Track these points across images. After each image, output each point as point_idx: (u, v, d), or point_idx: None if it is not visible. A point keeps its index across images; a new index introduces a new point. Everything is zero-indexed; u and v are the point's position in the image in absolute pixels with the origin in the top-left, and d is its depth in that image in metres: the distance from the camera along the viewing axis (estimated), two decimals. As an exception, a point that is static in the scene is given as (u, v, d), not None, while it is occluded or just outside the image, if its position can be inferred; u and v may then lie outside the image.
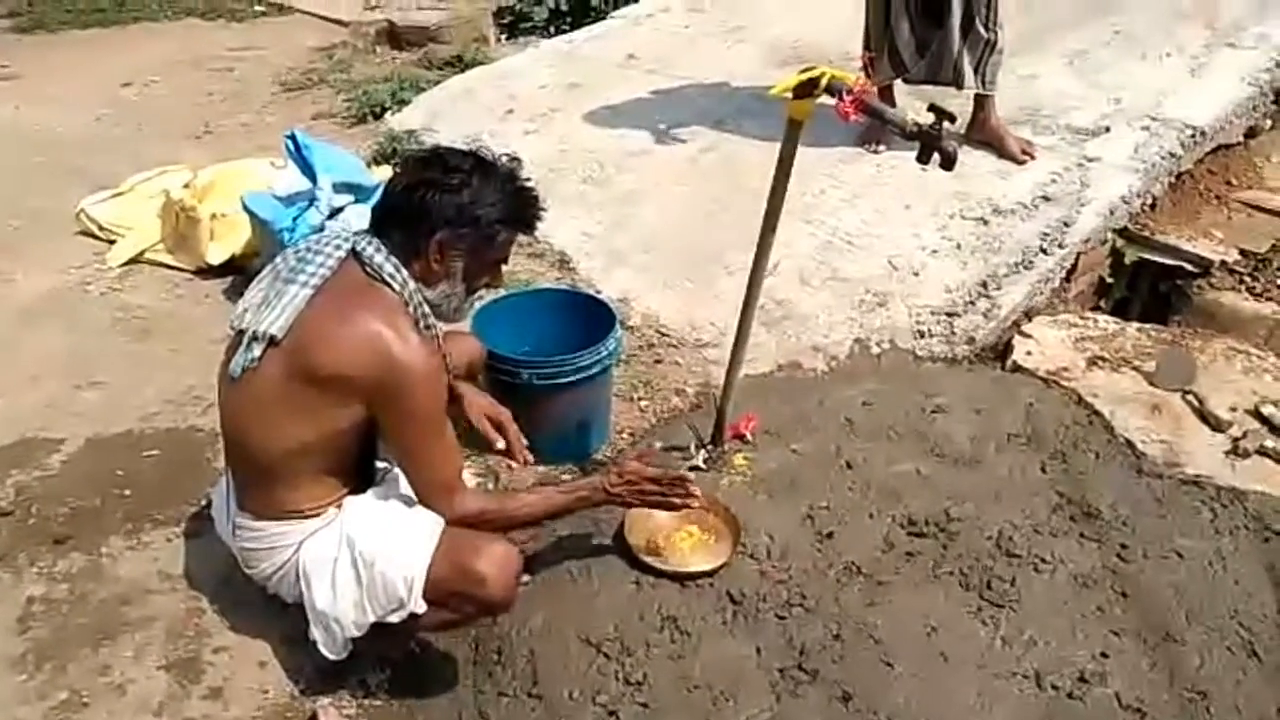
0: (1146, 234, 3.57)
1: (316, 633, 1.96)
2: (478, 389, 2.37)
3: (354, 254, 1.89)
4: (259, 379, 1.87)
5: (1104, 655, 2.04)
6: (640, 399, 2.92)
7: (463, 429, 2.52)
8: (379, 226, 1.92)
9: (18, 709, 1.99)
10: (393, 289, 1.87)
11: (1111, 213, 3.51)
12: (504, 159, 1.96)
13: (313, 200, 3.19)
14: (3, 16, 6.43)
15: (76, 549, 2.37)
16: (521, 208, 1.94)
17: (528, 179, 1.97)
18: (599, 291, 3.20)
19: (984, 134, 3.74)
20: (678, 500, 2.05)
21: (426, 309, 1.93)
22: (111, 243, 3.69)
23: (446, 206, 1.86)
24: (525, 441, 2.30)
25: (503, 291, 3.04)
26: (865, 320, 3.14)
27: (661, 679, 1.99)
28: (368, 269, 1.88)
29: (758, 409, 2.70)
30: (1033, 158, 3.70)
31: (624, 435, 2.80)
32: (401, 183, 1.90)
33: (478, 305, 2.75)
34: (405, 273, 1.88)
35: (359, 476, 2.06)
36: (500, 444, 2.26)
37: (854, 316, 3.16)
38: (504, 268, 2.06)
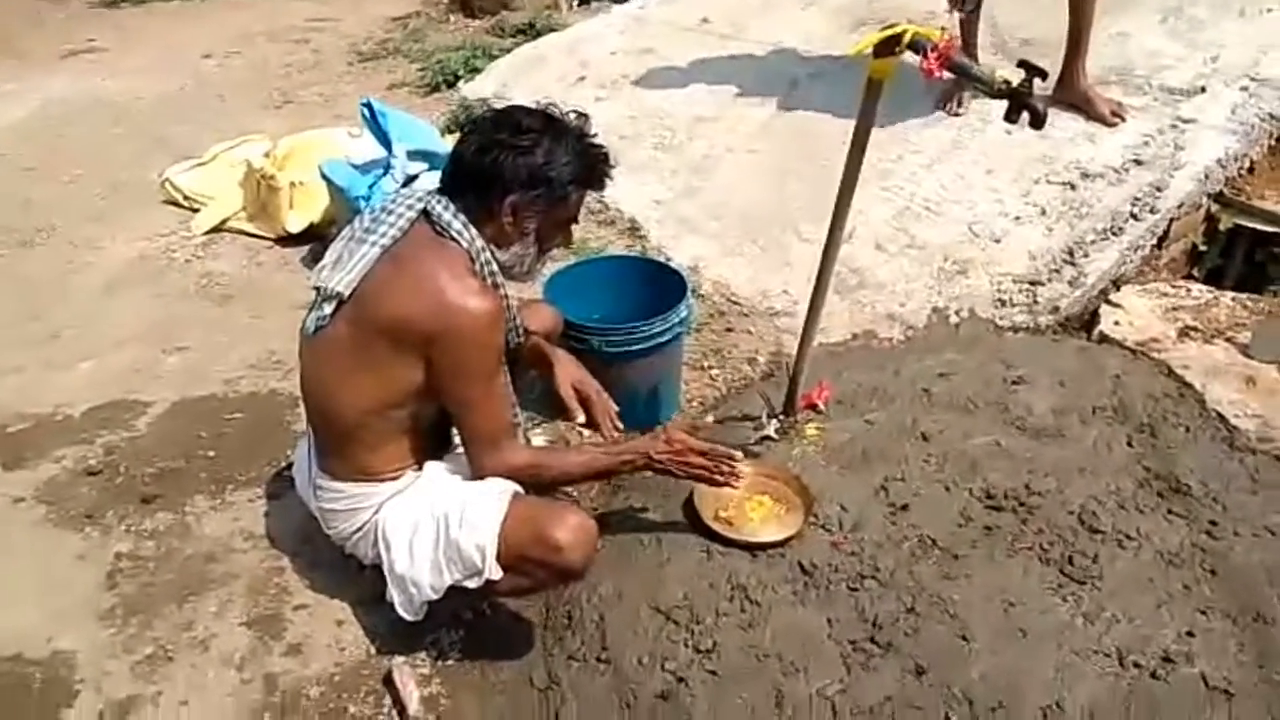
0: (1243, 199, 3.41)
1: (394, 594, 1.99)
2: (573, 358, 2.36)
3: (425, 214, 1.91)
4: (331, 336, 1.91)
5: (1190, 634, 1.96)
6: (711, 368, 2.90)
7: (536, 394, 2.55)
8: (451, 188, 1.93)
9: (106, 661, 2.07)
10: (460, 244, 1.89)
11: (1206, 177, 3.35)
12: (572, 116, 1.95)
13: (388, 168, 3.22)
14: (90, -9, 6.62)
15: (163, 508, 2.45)
16: (593, 166, 1.94)
17: (596, 136, 1.97)
18: (670, 259, 3.18)
19: (1072, 95, 3.58)
20: (720, 478, 2.04)
21: (494, 266, 1.94)
22: (195, 211, 3.79)
23: (520, 168, 1.86)
24: (616, 411, 2.29)
25: (574, 259, 3.06)
26: (944, 288, 3.07)
27: (731, 647, 1.98)
28: (437, 227, 1.90)
29: (831, 379, 2.65)
30: (1123, 119, 3.55)
31: (695, 404, 2.79)
32: (473, 145, 1.90)
33: (549, 273, 2.78)
34: (474, 231, 1.90)
35: (436, 441, 2.08)
36: (580, 417, 2.26)
37: (932, 284, 3.08)
38: (574, 232, 2.06)
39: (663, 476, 2.10)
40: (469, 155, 1.90)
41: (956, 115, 3.70)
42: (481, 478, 1.98)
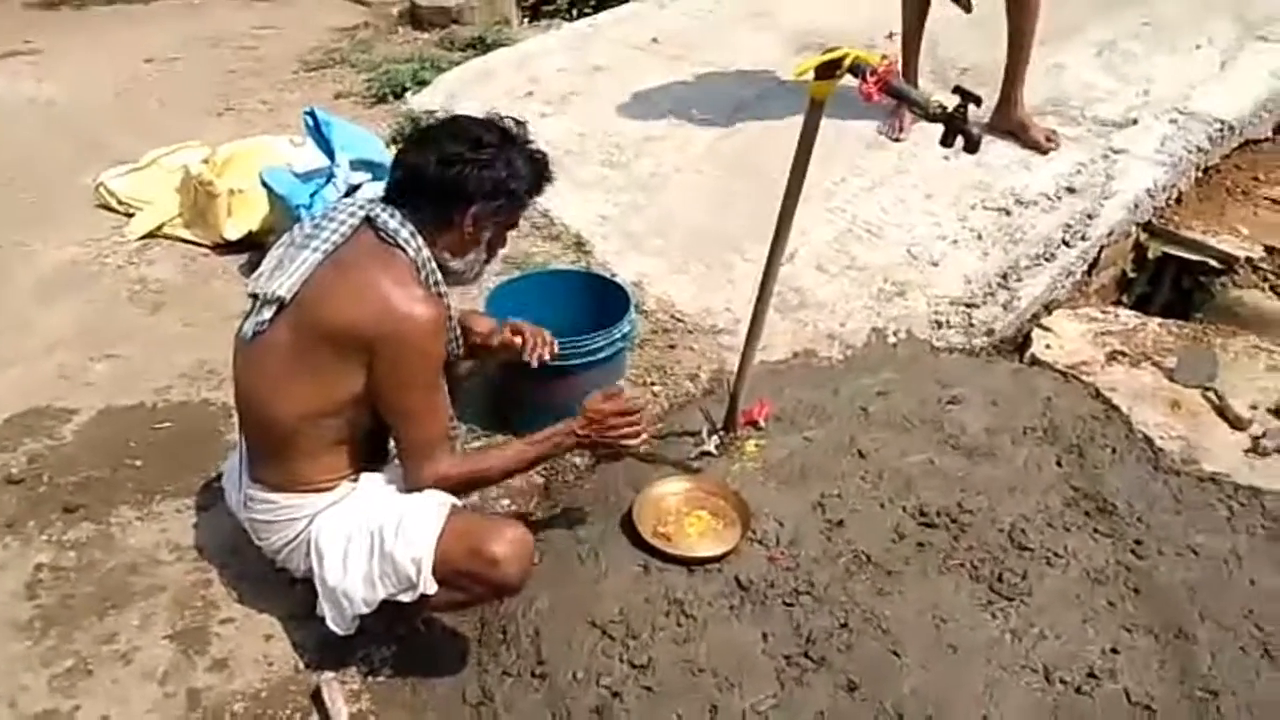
0: (1171, 229, 3.51)
1: (325, 608, 1.96)
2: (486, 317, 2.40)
3: (368, 221, 1.91)
4: (269, 341, 1.89)
5: (1114, 651, 2.01)
6: (653, 384, 2.90)
7: (476, 406, 2.53)
8: (402, 198, 1.93)
9: (23, 675, 2.00)
10: (406, 254, 1.89)
11: (1136, 206, 3.46)
12: (512, 123, 1.99)
13: (330, 177, 3.19)
14: (29, -9, 6.46)
15: (86, 518, 2.38)
16: (541, 174, 2.00)
17: (536, 142, 2.01)
18: (614, 274, 3.19)
19: (1007, 122, 3.68)
20: (633, 434, 2.07)
21: (439, 276, 1.95)
22: (130, 216, 3.70)
23: (485, 181, 1.90)
24: (550, 338, 2.32)
25: (518, 272, 3.05)
26: (883, 309, 3.11)
27: (666, 663, 1.98)
28: (382, 235, 1.89)
29: (772, 396, 2.67)
30: (1056, 147, 3.65)
31: (636, 419, 2.78)
32: (433, 157, 1.90)
33: (493, 285, 2.77)
34: (420, 240, 1.91)
35: (371, 452, 2.05)
36: (518, 342, 2.30)
37: (871, 305, 3.13)
38: (520, 244, 2.09)
39: (599, 459, 2.13)
40: (430, 168, 1.90)
41: (898, 140, 3.76)
42: (416, 489, 1.95)
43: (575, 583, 2.16)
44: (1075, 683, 1.94)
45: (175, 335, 3.08)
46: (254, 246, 3.45)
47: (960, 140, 1.96)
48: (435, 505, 1.93)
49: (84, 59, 5.29)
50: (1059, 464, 2.50)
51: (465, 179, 1.89)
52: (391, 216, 1.90)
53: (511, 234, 2.13)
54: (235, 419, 2.14)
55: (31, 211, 3.80)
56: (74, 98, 4.81)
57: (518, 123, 2.00)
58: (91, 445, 2.62)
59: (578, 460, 2.61)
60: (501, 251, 2.15)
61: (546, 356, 2.31)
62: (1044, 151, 3.62)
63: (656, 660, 1.98)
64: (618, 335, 2.57)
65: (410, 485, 1.96)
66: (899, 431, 2.61)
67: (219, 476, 2.38)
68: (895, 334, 3.04)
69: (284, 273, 1.88)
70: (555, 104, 4.29)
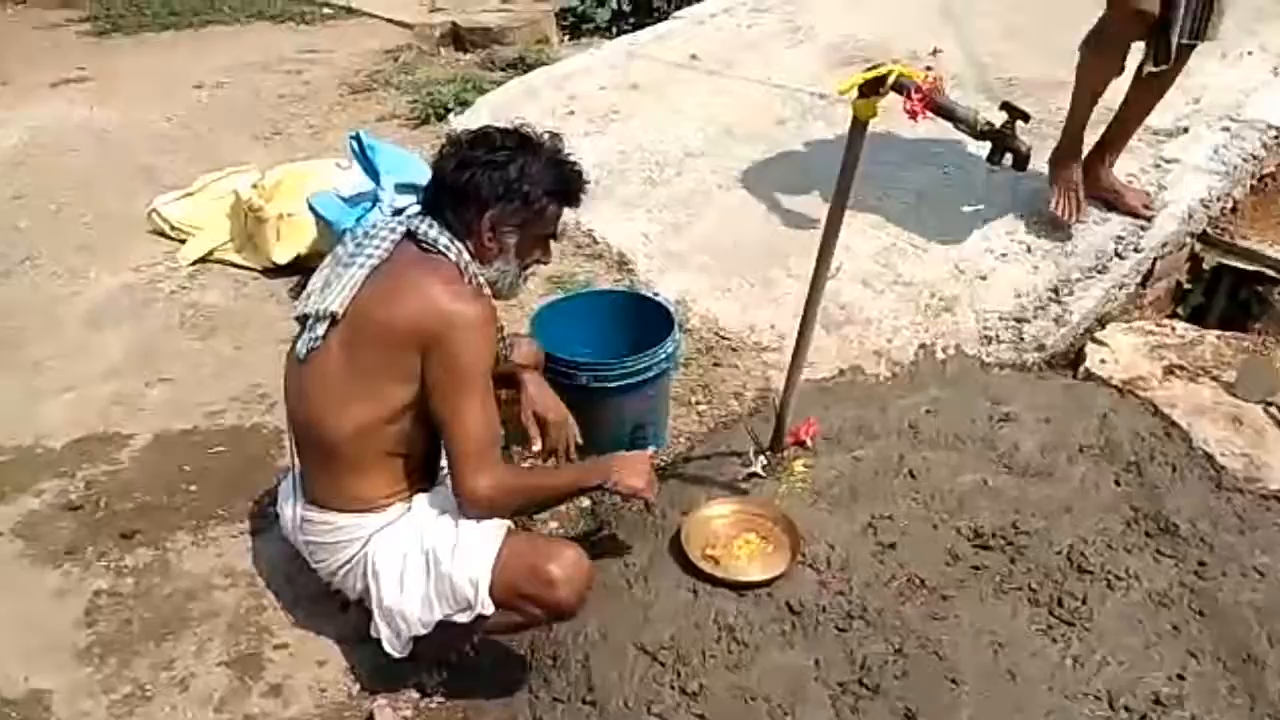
0: (1226, 238, 3.44)
1: (381, 629, 1.96)
2: (544, 383, 2.33)
3: (409, 234, 1.94)
4: (323, 357, 1.92)
5: (1180, 677, 1.95)
6: (698, 403, 2.89)
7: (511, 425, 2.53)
8: (432, 207, 1.96)
9: (83, 701, 2.04)
10: (449, 259, 1.92)
11: (1190, 216, 3.38)
12: (546, 135, 2.00)
13: (376, 201, 3.22)
14: (81, 21, 6.62)
15: (143, 544, 2.42)
16: (567, 180, 1.99)
17: (570, 154, 2.01)
18: (657, 293, 3.18)
19: (1099, 188, 3.38)
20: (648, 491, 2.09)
21: (482, 280, 1.96)
22: (182, 242, 3.77)
23: (497, 183, 1.91)
24: (575, 440, 2.27)
25: (561, 293, 3.05)
26: (930, 325, 3.07)
27: (718, 689, 1.96)
28: (423, 244, 1.92)
29: (818, 415, 2.64)
30: (1152, 211, 3.33)
31: (681, 439, 2.78)
32: (450, 163, 1.93)
33: (536, 306, 2.78)
34: (459, 244, 1.93)
35: (425, 471, 2.07)
36: (536, 445, 2.24)
37: (918, 321, 3.09)
38: (555, 254, 2.12)
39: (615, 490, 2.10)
40: (448, 173, 1.94)
41: (1076, 223, 3.30)
42: (468, 498, 1.91)
43: (624, 607, 2.15)
44: (1140, 710, 1.89)
45: (227, 359, 3.13)
46: (303, 270, 3.49)
47: (1009, 157, 1.93)
48: (493, 526, 1.94)
49: (135, 86, 5.40)
50: (1117, 483, 2.45)
51: (478, 182, 1.91)
52: (430, 226, 1.93)
53: (553, 250, 2.12)
54: (287, 443, 2.17)
55: (86, 237, 3.89)
56: (126, 124, 4.91)
57: (553, 135, 2.01)
58: (147, 470, 2.66)
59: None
60: (540, 267, 2.14)
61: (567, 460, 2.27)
62: (1142, 216, 3.34)
63: (708, 687, 1.96)
64: (662, 355, 2.56)
65: (460, 493, 1.92)
66: (950, 450, 2.57)
67: (271, 500, 2.41)
68: (944, 350, 3.00)
69: (333, 289, 1.92)
70: (596, 122, 4.30)
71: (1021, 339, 3.01)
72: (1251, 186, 3.62)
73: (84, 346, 3.22)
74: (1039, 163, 3.49)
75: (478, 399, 1.89)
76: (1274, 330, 3.17)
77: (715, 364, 3.02)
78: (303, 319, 1.97)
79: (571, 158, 2.01)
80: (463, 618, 1.91)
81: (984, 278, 3.21)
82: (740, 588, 2.16)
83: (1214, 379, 2.79)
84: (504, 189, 1.91)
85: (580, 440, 2.30)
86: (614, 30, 6.05)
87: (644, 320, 2.71)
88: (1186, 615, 2.09)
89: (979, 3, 4.80)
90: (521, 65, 5.28)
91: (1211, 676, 1.96)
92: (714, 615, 2.10)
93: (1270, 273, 3.32)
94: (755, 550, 2.27)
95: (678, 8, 5.84)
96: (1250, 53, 4.18)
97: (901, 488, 2.44)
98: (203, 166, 4.14)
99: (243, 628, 2.20)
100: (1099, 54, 3.09)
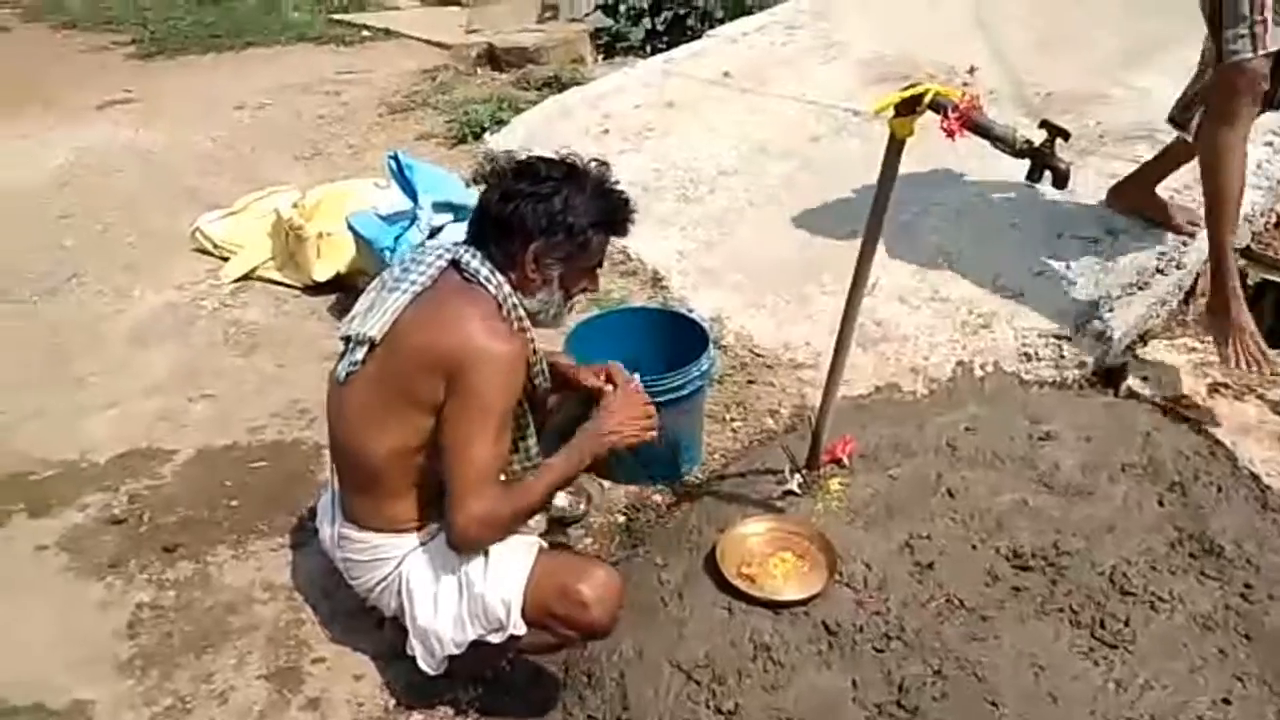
0: (1270, 254, 3.38)
1: (416, 647, 1.98)
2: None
3: (454, 264, 1.94)
4: (361, 381, 1.93)
5: (1226, 702, 1.91)
6: (733, 420, 2.88)
7: (552, 444, 2.50)
8: (477, 238, 1.96)
9: (125, 714, 2.07)
10: (488, 291, 1.91)
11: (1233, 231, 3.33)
12: (593, 164, 1.98)
13: (414, 219, 3.26)
14: (126, 44, 6.78)
15: (185, 557, 2.45)
16: (613, 211, 1.97)
17: (616, 182, 2.00)
18: (692, 310, 3.18)
19: (1144, 204, 3.32)
20: (650, 423, 2.09)
21: (522, 312, 1.95)
22: (225, 260, 3.83)
23: (540, 216, 1.90)
24: (635, 380, 2.19)
25: (596, 310, 3.06)
26: (968, 342, 3.05)
27: (754, 710, 1.94)
28: (465, 275, 1.92)
29: (855, 432, 2.63)
30: (1198, 227, 3.13)
31: (716, 456, 2.77)
32: (495, 195, 1.94)
33: (571, 324, 2.78)
34: (500, 278, 1.92)
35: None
36: (609, 387, 2.16)
37: (956, 338, 3.07)
38: (600, 276, 2.08)
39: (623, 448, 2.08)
40: (492, 205, 1.94)
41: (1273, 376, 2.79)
42: (455, 532, 1.87)
43: (660, 625, 2.14)
44: (1185, 735, 1.85)
45: (269, 376, 3.17)
46: (343, 288, 3.54)
47: (1049, 175, 1.92)
48: (524, 546, 1.95)
49: (179, 107, 5.52)
50: (1161, 503, 2.40)
51: (523, 215, 1.90)
52: (474, 257, 1.93)
53: (600, 278, 2.09)
54: (327, 458, 2.18)
55: (131, 256, 3.97)
56: (170, 145, 5.02)
57: (600, 163, 2.00)
58: (189, 485, 2.70)
59: (658, 498, 2.61)
60: (587, 294, 2.14)
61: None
62: (1187, 233, 3.24)
63: (744, 708, 1.95)
64: (696, 373, 2.54)
65: (452, 522, 1.86)
66: (988, 469, 2.54)
67: (312, 515, 2.43)
68: (982, 367, 2.98)
69: (375, 314, 1.93)
70: (631, 140, 4.33)
71: (1061, 356, 2.97)
72: (1296, 202, 3.56)
73: (128, 363, 3.28)
74: (1078, 181, 3.48)
75: (490, 434, 1.87)
76: (1320, 347, 3.10)
77: (750, 381, 3.02)
78: (346, 340, 2.00)
79: (618, 187, 2.00)
80: (495, 638, 1.92)
81: (1022, 294, 3.18)
82: (776, 606, 2.15)
83: (1260, 397, 2.74)
84: (548, 222, 1.90)
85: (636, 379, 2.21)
86: (648, 49, 6.09)
87: (679, 337, 2.71)
88: (1232, 639, 2.05)
89: (1010, 11, 4.78)
90: (557, 84, 5.33)
91: (1258, 701, 1.92)
92: (749, 634, 2.09)
93: (1316, 289, 3.26)
94: (791, 569, 2.25)
95: (711, 27, 5.87)
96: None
97: (939, 507, 2.41)
98: (245, 186, 4.22)
99: (281, 641, 2.22)
100: (1230, 134, 2.66)
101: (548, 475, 2.01)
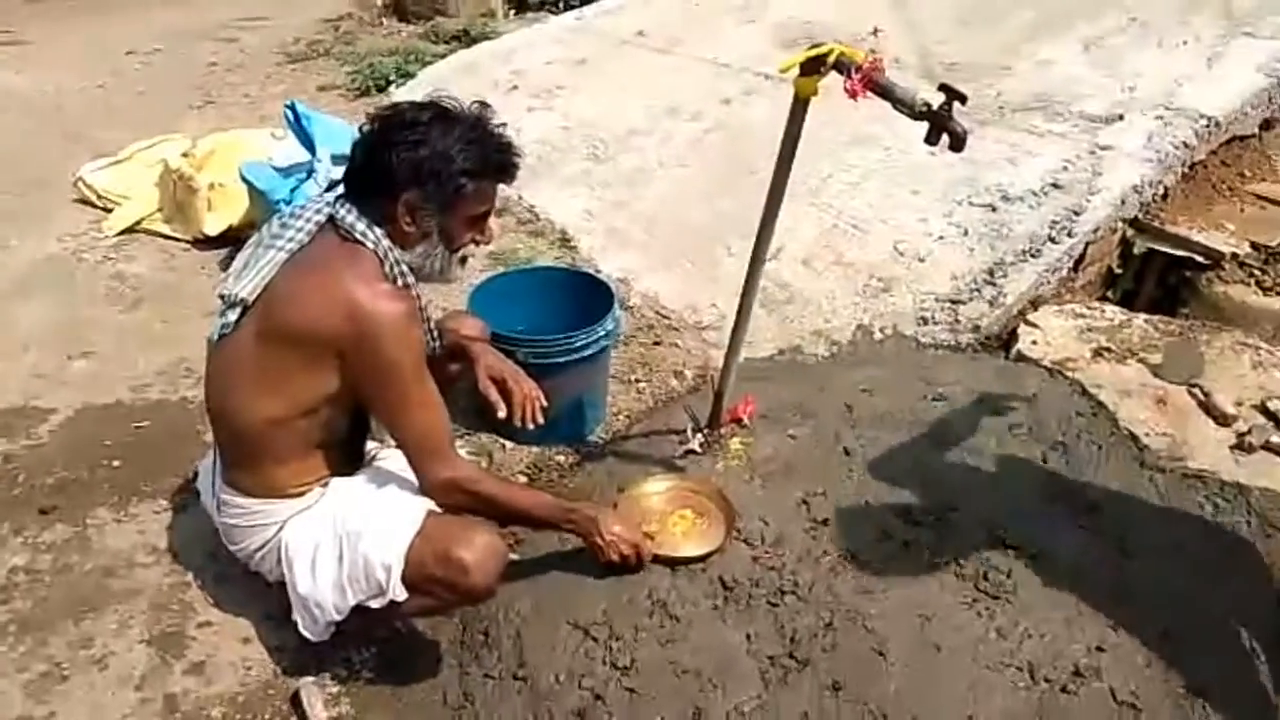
0: (1157, 225, 3.51)
1: (298, 615, 1.93)
2: (494, 350, 2.27)
3: (331, 220, 1.85)
4: (235, 345, 1.85)
5: (1100, 649, 2.00)
6: (638, 380, 2.88)
7: (461, 404, 2.48)
8: (350, 191, 1.86)
9: (-3, 680, 1.98)
10: (368, 248, 1.83)
11: (1122, 202, 3.45)
12: (470, 106, 1.87)
13: (311, 172, 3.15)
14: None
15: (62, 520, 2.35)
16: (488, 155, 1.85)
17: (496, 125, 1.88)
18: (599, 270, 3.16)
19: None
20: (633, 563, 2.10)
21: (404, 269, 1.87)
22: (109, 211, 3.66)
23: (406, 164, 1.78)
24: (542, 402, 2.19)
25: (501, 269, 3.02)
26: (869, 305, 3.10)
27: (649, 664, 1.96)
28: (342, 231, 1.84)
29: (757, 393, 2.65)
30: None
31: (620, 417, 2.77)
32: (365, 145, 1.84)
33: (475, 283, 2.74)
34: (379, 232, 1.83)
35: (347, 457, 2.02)
36: (502, 411, 2.16)
37: (857, 301, 3.12)
38: (494, 230, 1.98)
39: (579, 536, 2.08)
40: (360, 157, 1.84)
41: None
42: (433, 489, 1.89)
43: (557, 584, 2.14)
44: (1060, 681, 1.93)
45: (154, 332, 3.05)
46: (235, 241, 3.42)
47: (946, 138, 1.94)
48: (408, 510, 1.90)
49: (66, 51, 5.24)
50: (1044, 461, 2.49)
51: (389, 164, 1.78)
52: (349, 212, 1.83)
53: (495, 228, 1.99)
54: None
55: (9, 205, 3.76)
56: (55, 90, 4.76)
57: (480, 104, 1.89)
58: (68, 445, 2.59)
59: (560, 458, 2.59)
60: (481, 248, 2.07)
61: (535, 424, 2.19)
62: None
63: (639, 661, 1.96)
64: (601, 333, 2.54)
65: (426, 489, 1.90)
66: (884, 429, 2.59)
67: (195, 477, 2.35)
68: (881, 330, 3.03)
69: (249, 273, 1.84)
70: (541, 98, 4.26)
71: (957, 320, 3.05)
72: (1182, 175, 3.70)
73: (4, 318, 3.12)
74: (977, 150, 3.55)
75: (414, 396, 1.83)
76: (1200, 315, 3.25)
77: (656, 342, 3.02)
78: (222, 298, 1.90)
79: (497, 130, 1.88)
80: (376, 603, 1.87)
81: (922, 259, 3.24)
82: (675, 563, 2.16)
83: (1141, 361, 2.85)
84: (414, 170, 1.78)
85: (545, 401, 2.21)
86: (561, 5, 5.99)
87: (584, 297, 2.69)
88: (1107, 590, 2.14)
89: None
90: (465, 38, 5.22)
91: (1130, 649, 2.01)
92: (647, 591, 2.10)
93: (1198, 259, 3.40)
94: (690, 526, 2.27)
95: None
96: (1185, 43, 4.27)
97: (837, 465, 2.46)
98: (132, 134, 4.04)
99: (165, 605, 2.15)
100: None
101: (537, 497, 2.04)
